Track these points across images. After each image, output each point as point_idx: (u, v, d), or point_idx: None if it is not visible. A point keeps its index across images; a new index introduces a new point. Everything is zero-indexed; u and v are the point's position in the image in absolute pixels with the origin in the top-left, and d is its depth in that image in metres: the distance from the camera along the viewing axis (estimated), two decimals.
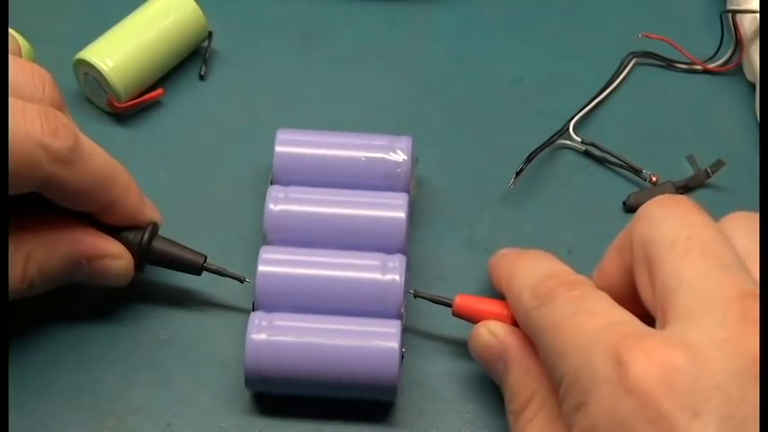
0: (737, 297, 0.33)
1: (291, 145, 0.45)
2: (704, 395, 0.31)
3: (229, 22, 0.53)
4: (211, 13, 0.51)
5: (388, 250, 0.43)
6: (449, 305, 0.42)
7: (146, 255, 0.43)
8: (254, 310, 0.42)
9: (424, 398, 0.43)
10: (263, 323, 0.41)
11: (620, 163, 0.48)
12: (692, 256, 0.34)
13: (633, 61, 0.52)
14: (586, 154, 0.49)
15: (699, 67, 0.52)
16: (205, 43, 0.51)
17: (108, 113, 0.49)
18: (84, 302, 0.44)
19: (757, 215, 0.37)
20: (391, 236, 0.43)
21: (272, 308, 0.42)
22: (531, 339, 0.38)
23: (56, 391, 0.42)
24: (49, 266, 0.41)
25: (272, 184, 0.45)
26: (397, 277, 0.42)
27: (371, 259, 0.42)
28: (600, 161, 0.49)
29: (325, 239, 0.43)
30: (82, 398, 0.42)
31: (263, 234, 0.43)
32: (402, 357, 0.41)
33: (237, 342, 0.42)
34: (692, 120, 0.51)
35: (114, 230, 0.42)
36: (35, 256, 0.40)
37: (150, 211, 0.43)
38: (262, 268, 0.42)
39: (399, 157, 0.45)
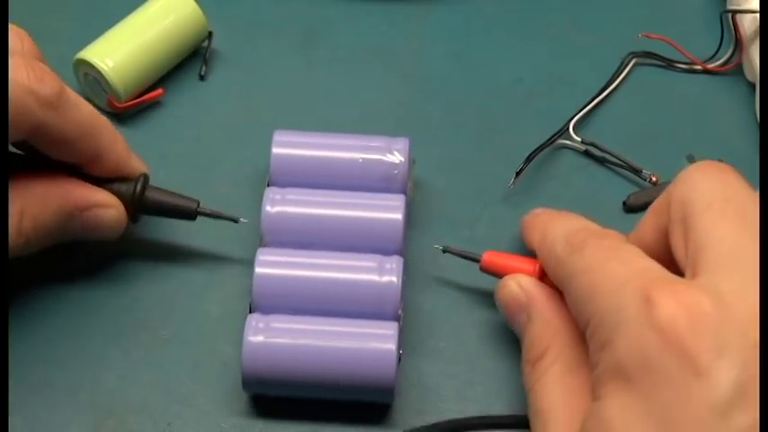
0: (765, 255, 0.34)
1: (288, 147, 0.45)
2: (727, 339, 0.32)
3: (229, 22, 0.53)
4: (211, 13, 0.51)
5: (385, 252, 0.43)
6: (477, 260, 0.43)
7: (139, 204, 0.43)
8: (251, 312, 0.42)
9: (423, 398, 0.43)
10: (261, 325, 0.41)
11: (620, 163, 0.48)
12: (727, 216, 0.35)
13: (633, 61, 0.52)
14: (586, 154, 0.49)
15: (699, 67, 0.52)
16: (205, 43, 0.52)
17: (108, 113, 0.49)
18: (84, 300, 0.44)
19: None
20: (388, 237, 0.43)
21: (269, 309, 0.41)
22: (560, 286, 0.39)
23: (55, 390, 0.42)
24: (43, 220, 0.41)
25: (268, 185, 0.45)
26: (394, 279, 0.42)
27: (368, 261, 0.42)
28: (600, 161, 0.49)
29: (323, 241, 0.43)
30: (82, 398, 0.42)
31: (260, 236, 0.43)
32: (399, 359, 0.41)
33: (237, 342, 0.42)
34: (692, 120, 0.51)
35: (105, 183, 0.43)
36: (29, 211, 0.41)
37: (138, 164, 0.44)
38: (259, 270, 0.42)
39: (396, 158, 0.45)
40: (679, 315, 0.33)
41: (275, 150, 0.45)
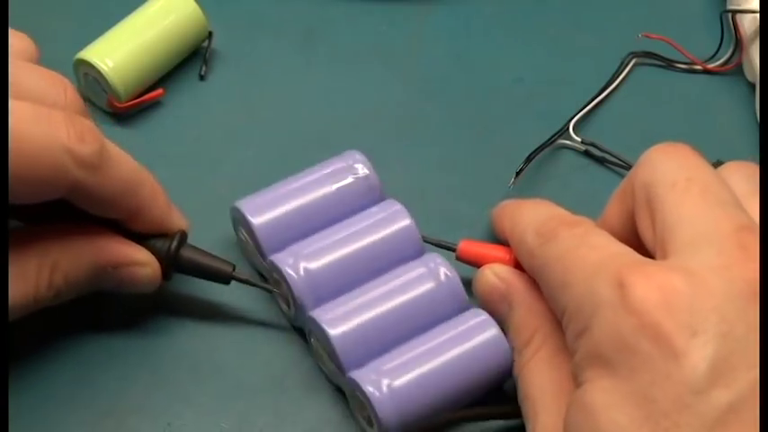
0: (735, 230, 0.34)
1: (262, 212, 0.43)
2: (702, 316, 0.32)
3: (229, 22, 0.53)
4: (211, 13, 0.51)
5: (412, 257, 0.43)
6: (452, 249, 0.43)
7: (174, 262, 0.42)
8: (343, 374, 0.40)
9: None
10: (373, 376, 0.39)
11: (620, 163, 0.49)
12: (691, 194, 0.36)
13: (633, 61, 0.52)
14: (586, 154, 0.49)
15: (699, 67, 0.52)
16: (205, 43, 0.52)
17: (108, 113, 0.49)
18: (83, 302, 0.44)
19: (751, 163, 0.38)
20: (408, 243, 0.43)
21: (363, 362, 0.40)
22: (534, 276, 0.39)
23: (55, 391, 0.42)
24: (75, 274, 0.41)
25: (263, 258, 0.43)
26: (447, 272, 0.42)
27: (412, 271, 0.42)
28: (600, 161, 0.49)
29: (355, 278, 0.42)
30: (81, 398, 0.42)
31: (299, 303, 0.42)
32: None
33: (237, 342, 0.42)
34: (692, 120, 0.51)
35: (141, 238, 0.42)
36: (61, 264, 0.40)
37: (177, 219, 0.43)
38: (332, 332, 0.40)
39: (362, 171, 0.44)
40: (652, 296, 0.33)
41: (255, 221, 0.43)
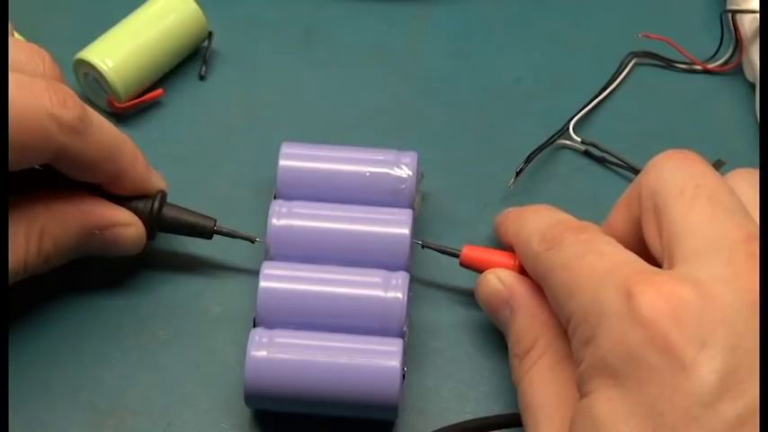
0: (743, 239, 0.34)
1: (295, 159, 0.45)
2: (711, 327, 0.32)
3: (229, 22, 0.53)
4: (211, 13, 0.51)
5: (391, 267, 0.42)
6: (456, 255, 0.43)
7: (157, 222, 0.44)
8: (254, 326, 0.41)
9: (424, 399, 0.43)
10: (264, 340, 0.40)
11: (620, 163, 0.48)
12: (699, 203, 0.35)
13: (633, 61, 0.52)
14: (586, 154, 0.49)
15: (699, 67, 0.52)
16: (205, 43, 0.52)
17: (108, 113, 0.49)
18: (82, 298, 0.44)
19: (758, 171, 0.38)
20: (395, 252, 0.43)
21: (273, 324, 0.41)
22: (540, 282, 0.39)
23: (55, 390, 0.42)
24: (63, 239, 0.42)
25: (275, 198, 0.44)
26: (399, 295, 0.41)
27: (374, 276, 0.42)
28: (600, 161, 0.49)
29: (329, 255, 0.42)
30: (81, 398, 0.42)
31: (266, 249, 0.43)
32: (404, 376, 0.41)
33: (237, 342, 0.42)
34: (692, 120, 0.51)
35: (124, 200, 0.43)
36: (49, 230, 0.41)
37: (157, 180, 0.44)
38: (264, 284, 0.41)
39: (404, 172, 0.44)
40: (660, 307, 0.32)
41: (282, 162, 0.44)
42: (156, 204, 0.43)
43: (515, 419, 0.39)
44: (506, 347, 0.42)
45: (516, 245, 0.41)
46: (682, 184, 0.36)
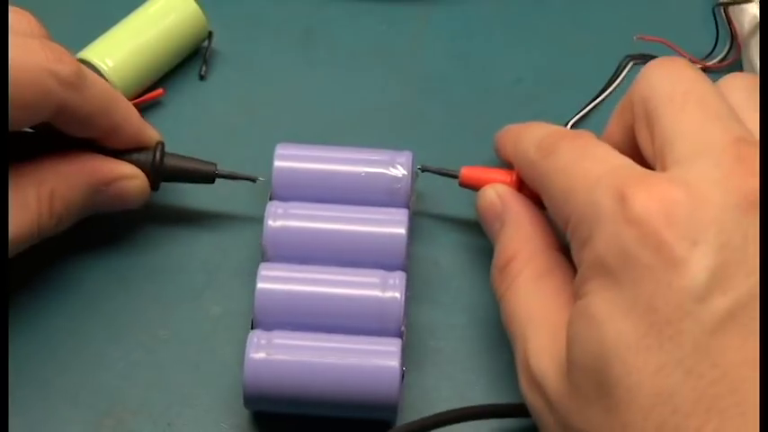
0: (732, 142, 0.35)
1: (290, 160, 0.45)
2: (702, 226, 0.33)
3: (229, 22, 0.53)
4: (211, 13, 0.51)
5: (388, 267, 0.42)
6: (455, 176, 0.45)
7: (160, 171, 0.44)
8: (252, 328, 0.41)
9: (423, 399, 0.43)
10: (263, 341, 0.40)
11: None
12: (688, 108, 0.36)
13: (631, 63, 0.52)
14: None
15: (698, 66, 0.52)
16: (205, 43, 0.52)
17: None
18: (83, 298, 0.44)
19: (749, 74, 0.39)
20: (392, 252, 0.43)
21: (271, 326, 0.41)
22: (537, 190, 0.40)
23: (55, 390, 0.42)
24: (72, 198, 0.42)
25: (270, 199, 0.44)
26: (397, 294, 0.41)
27: (371, 276, 0.42)
28: None
29: (325, 256, 0.43)
30: (81, 397, 0.42)
31: (262, 250, 0.43)
32: (403, 376, 0.41)
33: (237, 342, 0.42)
34: None
35: (124, 154, 0.44)
36: (58, 191, 0.42)
37: (152, 132, 0.45)
38: (261, 285, 0.42)
39: (399, 172, 0.44)
40: (652, 207, 0.34)
41: (277, 164, 0.45)
42: (158, 154, 0.44)
43: (516, 409, 0.40)
44: (505, 346, 0.42)
45: (515, 156, 0.42)
46: (671, 91, 0.37)
